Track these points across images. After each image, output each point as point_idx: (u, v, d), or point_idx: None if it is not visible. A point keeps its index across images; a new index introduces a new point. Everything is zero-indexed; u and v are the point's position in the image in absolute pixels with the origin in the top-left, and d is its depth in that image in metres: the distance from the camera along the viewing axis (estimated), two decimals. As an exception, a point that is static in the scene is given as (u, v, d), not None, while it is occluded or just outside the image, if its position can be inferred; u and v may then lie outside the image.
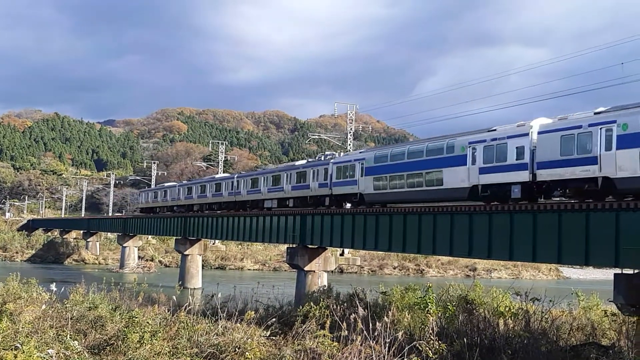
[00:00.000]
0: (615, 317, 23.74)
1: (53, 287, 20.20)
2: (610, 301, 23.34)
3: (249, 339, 14.92)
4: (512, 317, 21.21)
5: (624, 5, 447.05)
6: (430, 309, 18.79)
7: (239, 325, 16.58)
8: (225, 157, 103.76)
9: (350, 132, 70.52)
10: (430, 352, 13.89)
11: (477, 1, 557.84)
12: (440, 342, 14.87)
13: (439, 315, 20.01)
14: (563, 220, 24.82)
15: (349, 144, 70.65)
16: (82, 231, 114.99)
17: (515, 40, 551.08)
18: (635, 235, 21.94)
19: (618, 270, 22.67)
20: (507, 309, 22.24)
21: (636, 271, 21.92)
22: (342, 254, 53.82)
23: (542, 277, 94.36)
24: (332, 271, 50.57)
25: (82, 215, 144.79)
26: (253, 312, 17.60)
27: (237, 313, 18.16)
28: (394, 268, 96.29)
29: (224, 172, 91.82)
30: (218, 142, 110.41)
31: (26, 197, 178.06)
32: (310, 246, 44.31)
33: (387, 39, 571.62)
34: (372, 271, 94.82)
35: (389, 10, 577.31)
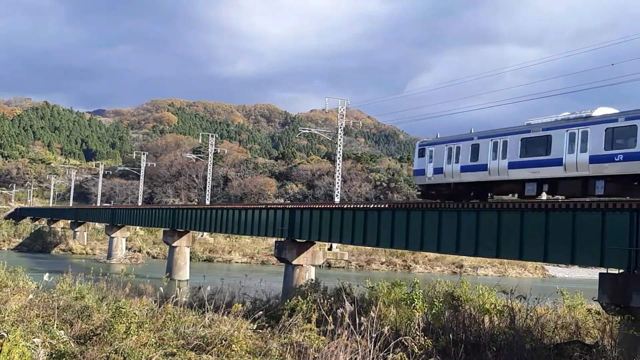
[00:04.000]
0: (599, 316, 23.98)
1: (46, 277, 20.02)
2: (595, 300, 23.54)
3: (236, 332, 14.95)
4: (498, 315, 21.38)
5: (621, 7, 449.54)
6: (416, 304, 18.89)
7: (225, 317, 16.59)
8: (215, 149, 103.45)
9: (340, 127, 70.55)
10: (415, 347, 13.97)
11: (476, 0, 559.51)
12: (426, 337, 14.96)
13: (425, 311, 20.14)
14: (550, 219, 24.99)
15: (339, 139, 70.70)
16: (69, 221, 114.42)
17: (512, 39, 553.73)
18: (621, 235, 22.13)
19: (603, 270, 22.86)
20: (492, 306, 22.42)
21: (621, 271, 22.12)
22: (330, 249, 53.95)
23: (528, 275, 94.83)
24: (319, 265, 50.67)
25: (70, 205, 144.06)
26: (240, 305, 17.62)
27: (224, 305, 18.19)
28: (382, 263, 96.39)
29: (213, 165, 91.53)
30: (208, 135, 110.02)
31: (14, 186, 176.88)
32: (298, 240, 44.35)
33: (384, 35, 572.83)
34: (359, 266, 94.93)
35: (387, 6, 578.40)
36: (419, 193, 34.09)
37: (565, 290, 29.93)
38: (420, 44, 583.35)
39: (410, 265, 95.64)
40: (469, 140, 30.63)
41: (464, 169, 30.52)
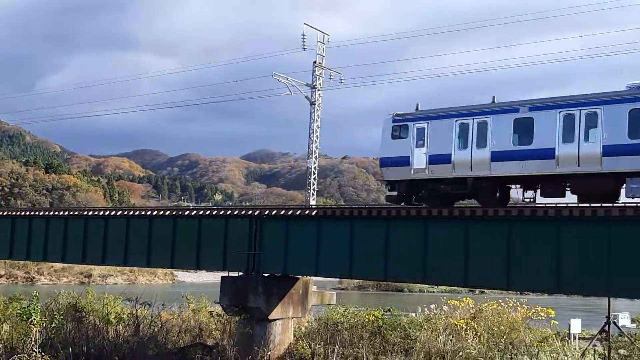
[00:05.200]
0: (220, 317, 25.46)
1: None
2: (217, 302, 24.91)
3: None
4: (123, 323, 21.18)
5: (249, 25, 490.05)
6: (34, 319, 17.57)
7: None
8: None
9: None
10: (30, 365, 12.99)
11: (113, 4, 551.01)
12: (43, 354, 14.08)
13: (45, 325, 18.90)
14: (177, 226, 25.68)
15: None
16: None
17: (149, 48, 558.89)
18: (242, 240, 23.81)
19: (225, 273, 24.33)
20: (117, 315, 22.12)
21: (240, 274, 23.81)
22: None
23: (158, 281, 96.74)
24: None
25: None
26: None
27: None
28: (0, 277, 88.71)
29: None
30: None
31: None
32: None
33: (8, 27, 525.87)
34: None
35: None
36: (392, 194, 22.80)
37: (190, 294, 31.06)
38: (51, 42, 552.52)
39: (34, 277, 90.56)
40: (509, 112, 20.97)
41: (500, 156, 20.85)
